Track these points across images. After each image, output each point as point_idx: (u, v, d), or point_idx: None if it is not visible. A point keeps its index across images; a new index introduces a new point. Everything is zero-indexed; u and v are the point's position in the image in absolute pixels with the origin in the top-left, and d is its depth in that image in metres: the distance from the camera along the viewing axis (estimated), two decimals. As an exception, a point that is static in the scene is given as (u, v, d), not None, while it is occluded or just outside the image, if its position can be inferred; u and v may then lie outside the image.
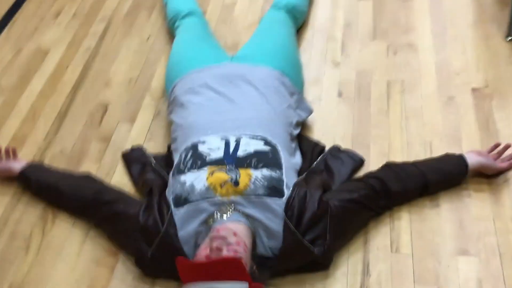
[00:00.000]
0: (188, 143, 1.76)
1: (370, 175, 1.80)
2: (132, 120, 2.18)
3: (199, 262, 1.44)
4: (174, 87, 2.00)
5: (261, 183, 1.63)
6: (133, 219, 1.68)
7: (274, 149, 1.73)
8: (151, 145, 2.08)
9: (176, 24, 2.38)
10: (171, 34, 2.50)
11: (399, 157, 1.96)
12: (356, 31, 2.51)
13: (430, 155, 1.96)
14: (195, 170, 1.67)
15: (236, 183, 1.63)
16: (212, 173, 1.65)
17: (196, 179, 1.65)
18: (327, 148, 1.99)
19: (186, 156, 1.72)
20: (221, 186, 1.63)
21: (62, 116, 2.20)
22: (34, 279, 1.70)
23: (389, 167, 1.83)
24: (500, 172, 1.89)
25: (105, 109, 2.22)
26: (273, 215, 1.62)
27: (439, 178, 1.82)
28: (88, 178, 1.90)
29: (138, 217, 1.67)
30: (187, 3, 2.48)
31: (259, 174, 1.65)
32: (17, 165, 1.93)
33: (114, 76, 2.36)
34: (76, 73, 2.38)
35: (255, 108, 1.84)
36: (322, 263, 1.67)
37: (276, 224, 1.61)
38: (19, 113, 2.21)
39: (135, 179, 1.94)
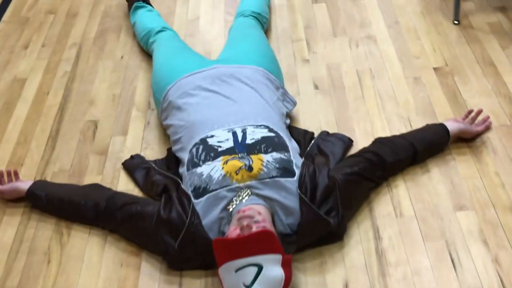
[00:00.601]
0: (196, 139, 1.85)
1: (365, 150, 1.95)
2: (124, 133, 2.24)
3: (236, 237, 1.53)
4: (166, 94, 2.09)
5: (273, 165, 1.75)
6: (154, 216, 1.75)
7: (278, 135, 1.85)
8: (148, 153, 2.15)
9: (151, 40, 2.47)
10: (144, 51, 2.59)
11: (382, 134, 2.12)
12: (316, 31, 2.69)
13: (411, 129, 2.14)
14: (210, 161, 1.77)
15: (250, 168, 1.74)
16: (226, 162, 1.75)
17: (212, 169, 1.75)
18: (316, 135, 2.12)
19: (197, 150, 1.81)
20: (236, 173, 1.73)
21: (54, 137, 2.24)
22: (63, 289, 1.74)
23: (380, 142, 1.98)
24: (476, 136, 2.09)
25: (95, 125, 2.28)
26: (288, 194, 1.73)
27: (426, 146, 2.00)
28: (97, 186, 1.95)
29: (160, 212, 1.74)
30: (157, 21, 2.58)
31: (270, 157, 1.76)
32: (23, 184, 1.95)
33: (96, 95, 2.42)
34: (58, 97, 2.42)
35: (251, 101, 1.96)
36: (337, 234, 1.79)
37: (292, 202, 1.73)
38: (10, 139, 2.23)
39: (141, 184, 2.01)
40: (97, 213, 1.86)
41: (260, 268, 1.53)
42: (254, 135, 1.82)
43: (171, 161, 2.03)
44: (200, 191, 1.74)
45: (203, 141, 1.83)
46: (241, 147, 1.79)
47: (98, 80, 2.49)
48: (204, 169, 1.76)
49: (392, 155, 1.94)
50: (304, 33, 2.69)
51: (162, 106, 2.11)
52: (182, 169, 1.86)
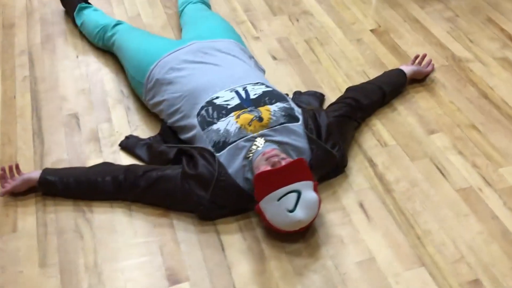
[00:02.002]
0: (202, 103, 1.99)
1: (343, 97, 2.21)
2: (108, 120, 2.31)
3: (278, 168, 1.70)
4: (150, 74, 2.20)
5: (279, 113, 1.94)
6: (177, 176, 1.87)
7: (274, 89, 2.05)
8: (139, 133, 2.24)
9: (109, 34, 2.55)
10: (99, 47, 2.66)
11: (346, 87, 2.39)
12: (256, 13, 2.92)
13: (367, 78, 2.43)
14: (223, 118, 1.92)
15: (260, 119, 1.92)
16: (238, 116, 1.92)
17: (228, 124, 1.90)
18: (290, 95, 2.34)
19: (207, 111, 1.96)
20: (249, 124, 1.90)
21: (38, 133, 2.25)
22: (105, 257, 1.79)
23: (354, 89, 2.25)
24: (426, 76, 2.42)
25: (76, 118, 2.32)
26: (297, 136, 1.93)
27: (391, 88, 2.30)
28: (107, 164, 2.02)
29: (185, 170, 1.86)
30: (108, 17, 2.68)
31: (275, 107, 1.96)
32: (33, 174, 1.97)
33: (66, 91, 2.45)
34: (26, 99, 2.42)
35: (239, 66, 2.14)
36: (341, 166, 2.01)
37: (301, 143, 1.93)
38: (-6, 141, 2.21)
39: (147, 158, 2.09)
40: (118, 185, 1.93)
41: (299, 193, 1.72)
42: (255, 91, 2.00)
43: (167, 134, 2.15)
44: (220, 145, 1.89)
45: (210, 103, 1.98)
46: (247, 102, 1.96)
47: (62, 79, 2.53)
48: (220, 125, 1.91)
49: (367, 98, 2.22)
50: (246, 15, 2.90)
51: (146, 87, 2.22)
52: (192, 133, 1.99)
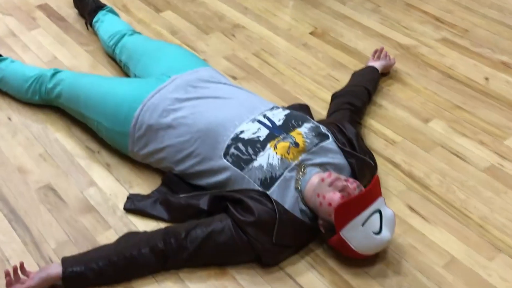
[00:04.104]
0: (226, 141, 1.79)
1: (339, 104, 2.15)
2: (91, 183, 1.98)
3: (362, 193, 1.59)
4: (136, 121, 1.93)
5: (311, 135, 1.83)
6: (230, 226, 1.68)
7: (291, 110, 1.93)
8: (137, 189, 1.97)
9: (49, 85, 2.16)
10: (36, 102, 2.27)
11: (321, 93, 2.34)
12: (186, 34, 2.71)
13: (339, 82, 2.40)
14: (261, 152, 1.75)
15: (296, 144, 1.79)
16: (275, 147, 1.76)
17: (269, 158, 1.74)
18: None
19: (238, 149, 1.77)
20: (287, 152, 1.76)
21: (15, 219, 1.85)
22: None
23: (343, 95, 2.20)
24: (390, 67, 2.46)
25: (51, 189, 1.96)
26: (333, 153, 1.84)
27: (373, 86, 2.30)
28: (132, 234, 1.73)
29: (240, 218, 1.67)
30: (35, 67, 2.31)
31: (305, 129, 1.84)
32: (51, 269, 1.61)
33: (21, 162, 2.05)
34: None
35: (240, 93, 1.96)
36: (374, 173, 1.96)
37: (339, 159, 1.84)
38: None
39: (167, 216, 1.84)
40: (161, 255, 1.66)
41: (380, 212, 1.63)
42: (277, 116, 1.86)
43: (175, 184, 1.91)
44: (268, 182, 1.72)
45: (237, 139, 1.79)
46: (277, 130, 1.81)
47: (5, 149, 2.12)
48: (261, 160, 1.74)
49: (359, 100, 2.18)
50: (176, 38, 2.70)
51: (134, 137, 1.95)
52: (223, 176, 1.79)
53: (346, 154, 1.85)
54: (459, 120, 2.22)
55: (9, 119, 2.25)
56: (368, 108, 2.27)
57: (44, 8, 2.88)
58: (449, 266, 1.71)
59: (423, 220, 1.85)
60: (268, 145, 1.77)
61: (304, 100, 2.32)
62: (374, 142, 2.13)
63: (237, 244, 1.68)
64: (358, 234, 1.61)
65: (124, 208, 1.89)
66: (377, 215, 1.62)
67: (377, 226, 1.61)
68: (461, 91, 2.36)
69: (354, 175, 1.84)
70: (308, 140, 1.80)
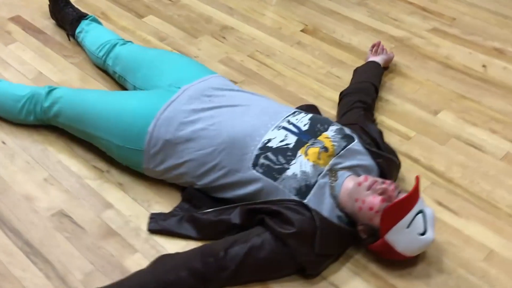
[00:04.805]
0: (254, 151, 1.72)
1: (350, 103, 2.11)
2: (107, 205, 1.88)
3: (409, 195, 1.56)
4: (150, 136, 1.84)
5: (338, 137, 1.79)
6: (269, 241, 1.62)
7: (313, 114, 1.88)
8: (157, 208, 1.88)
9: (45, 104, 2.03)
10: (31, 123, 2.15)
11: (326, 92, 2.31)
12: (174, 39, 2.62)
13: (340, 79, 2.37)
14: (293, 160, 1.70)
15: (326, 149, 1.74)
16: (306, 153, 1.71)
17: (301, 165, 1.69)
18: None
19: (268, 158, 1.70)
20: (318, 158, 1.72)
21: (32, 251, 1.73)
22: None
23: (352, 92, 2.17)
24: (390, 61, 2.44)
25: (66, 216, 1.84)
26: (361, 155, 1.80)
27: (378, 81, 2.27)
28: (166, 257, 1.65)
29: (280, 232, 1.61)
30: (25, 86, 2.17)
31: (331, 132, 1.79)
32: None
33: (25, 189, 1.93)
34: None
35: (256, 99, 1.89)
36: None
37: (367, 160, 1.80)
38: None
39: (195, 233, 1.76)
40: (202, 277, 1.59)
41: (423, 212, 1.61)
42: (301, 121, 1.80)
43: (198, 199, 1.84)
44: (304, 190, 1.67)
45: (265, 148, 1.73)
46: (304, 136, 1.76)
47: (6, 175, 1.98)
48: (294, 168, 1.69)
49: (368, 97, 2.16)
50: (164, 44, 2.60)
51: (149, 153, 1.86)
52: (253, 187, 1.72)
53: (373, 155, 1.81)
54: (467, 110, 2.23)
55: (3, 143, 2.11)
56: (375, 104, 2.24)
57: (17, 20, 2.73)
58: (489, 259, 1.71)
59: (454, 214, 1.84)
60: (299, 152, 1.71)
61: (310, 100, 2.28)
62: (388, 138, 2.11)
63: (279, 257, 1.62)
64: (403, 237, 1.58)
65: (149, 229, 1.80)
66: (420, 216, 1.59)
67: (421, 227, 1.59)
68: (462, 80, 2.37)
69: (383, 175, 1.81)
70: (336, 144, 1.76)
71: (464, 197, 1.89)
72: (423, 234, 1.59)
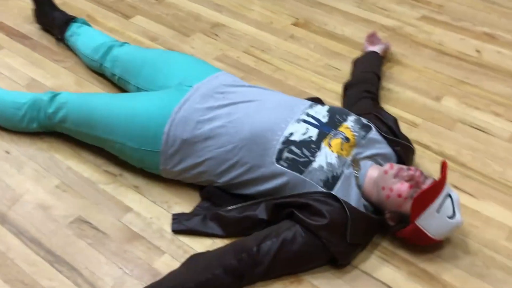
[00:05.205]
0: (277, 146, 1.72)
1: (357, 93, 2.13)
2: (126, 209, 1.84)
3: (440, 180, 1.58)
4: (167, 137, 1.82)
5: (357, 127, 1.80)
6: (301, 233, 1.62)
7: (329, 105, 1.89)
8: (178, 208, 1.86)
9: (50, 110, 1.97)
10: (34, 130, 2.09)
11: (327, 84, 2.32)
12: (166, 38, 2.59)
13: (340, 71, 2.39)
14: (318, 152, 1.70)
15: (347, 139, 1.75)
16: (330, 145, 1.72)
17: (327, 157, 1.69)
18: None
19: (292, 152, 1.70)
20: (341, 149, 1.73)
21: (56, 259, 1.68)
22: None
23: (357, 83, 2.19)
24: (387, 51, 2.47)
25: (85, 222, 1.80)
26: (380, 143, 1.82)
27: (379, 69, 2.30)
28: (198, 256, 1.63)
29: (311, 223, 1.61)
30: (25, 93, 2.10)
31: (351, 123, 1.80)
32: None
33: (38, 197, 1.88)
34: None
35: (268, 94, 1.89)
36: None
37: (386, 148, 1.83)
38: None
39: (221, 231, 1.75)
40: (238, 273, 1.58)
41: (450, 196, 1.64)
42: (320, 113, 1.81)
43: (219, 197, 1.82)
44: (331, 181, 1.68)
45: (288, 142, 1.72)
46: (326, 127, 1.76)
47: (15, 185, 1.93)
48: (320, 161, 1.69)
49: (373, 86, 2.18)
50: (157, 44, 2.56)
51: (167, 153, 1.83)
52: (279, 181, 1.71)
53: (390, 143, 1.84)
54: (468, 95, 2.28)
55: (7, 152, 2.04)
56: (382, 93, 2.27)
57: (1, 27, 2.65)
58: (511, 239, 1.75)
59: (471, 197, 1.88)
60: (323, 144, 1.72)
61: (313, 93, 2.29)
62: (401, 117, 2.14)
63: (311, 249, 1.62)
64: (434, 221, 1.61)
65: (173, 230, 1.77)
66: (449, 200, 1.62)
67: (450, 210, 1.62)
68: (459, 66, 2.42)
69: (401, 162, 1.83)
70: (356, 134, 1.78)
71: (478, 179, 1.94)
72: (451, 217, 1.62)
